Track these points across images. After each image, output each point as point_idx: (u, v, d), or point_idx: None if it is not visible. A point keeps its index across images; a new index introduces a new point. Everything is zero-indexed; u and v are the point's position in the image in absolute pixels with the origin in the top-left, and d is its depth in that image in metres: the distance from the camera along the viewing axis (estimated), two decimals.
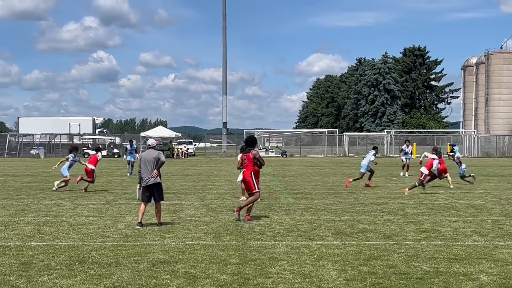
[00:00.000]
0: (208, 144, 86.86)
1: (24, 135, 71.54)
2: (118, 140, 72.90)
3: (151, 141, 14.64)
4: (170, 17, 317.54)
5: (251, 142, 15.62)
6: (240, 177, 15.53)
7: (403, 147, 34.41)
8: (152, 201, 13.95)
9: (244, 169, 15.27)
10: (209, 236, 12.51)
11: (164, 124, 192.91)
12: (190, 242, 11.81)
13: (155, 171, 13.76)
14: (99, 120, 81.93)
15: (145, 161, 13.88)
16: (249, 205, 15.13)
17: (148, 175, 13.75)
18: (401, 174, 33.28)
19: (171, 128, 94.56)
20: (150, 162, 13.81)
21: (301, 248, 11.21)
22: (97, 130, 77.29)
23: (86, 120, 76.86)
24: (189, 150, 70.21)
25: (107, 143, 69.15)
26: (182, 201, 19.48)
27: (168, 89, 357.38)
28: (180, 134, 74.72)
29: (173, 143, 68.71)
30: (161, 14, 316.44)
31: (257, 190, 15.05)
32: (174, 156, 64.09)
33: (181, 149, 66.53)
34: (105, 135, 75.38)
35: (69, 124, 73.98)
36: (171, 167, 41.66)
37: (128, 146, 35.50)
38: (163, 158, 13.99)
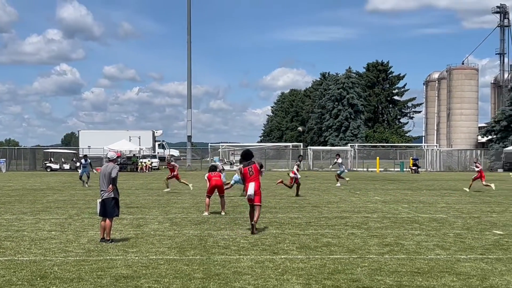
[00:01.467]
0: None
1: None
2: (176, 152, 73.58)
3: (110, 154, 14.26)
4: (134, 30, 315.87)
5: (250, 154, 15.71)
6: (251, 191, 15.27)
7: (335, 160, 39.14)
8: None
9: (252, 182, 15.21)
10: (173, 251, 12.44)
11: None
12: (154, 257, 11.73)
13: (110, 186, 13.51)
14: (158, 133, 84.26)
15: (103, 174, 13.66)
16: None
17: (104, 189, 13.56)
18: (337, 184, 36.75)
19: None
20: (106, 176, 13.57)
21: (265, 262, 11.21)
22: (157, 143, 78.93)
23: (146, 133, 78.34)
24: (153, 164, 69.76)
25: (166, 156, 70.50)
26: (146, 215, 19.35)
27: (132, 102, 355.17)
28: (144, 148, 74.23)
29: (136, 157, 68.21)
30: (125, 27, 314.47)
31: (261, 203, 15.47)
32: (138, 170, 63.66)
33: (145, 163, 66.06)
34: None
35: (129, 137, 74.43)
36: (135, 181, 41.41)
37: (83, 161, 35.99)
38: (114, 173, 13.50)
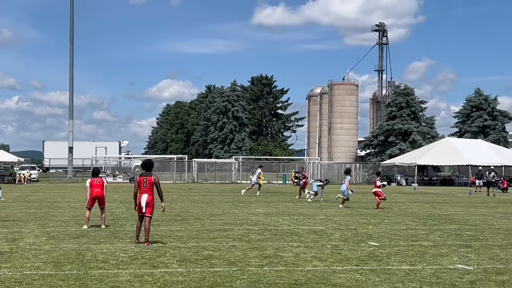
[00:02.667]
0: (53, 170, 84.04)
1: None
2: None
3: None
4: (15, 37, 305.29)
5: (149, 165, 15.70)
6: (144, 202, 15.21)
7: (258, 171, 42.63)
8: None
9: (145, 194, 15.21)
10: (48, 266, 12.07)
11: (6, 148, 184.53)
12: (28, 272, 11.33)
13: None
14: (124, 144, 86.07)
15: None
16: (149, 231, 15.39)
17: None
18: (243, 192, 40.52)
19: (13, 153, 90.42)
20: None
21: (144, 276, 11.08)
22: (123, 153, 79.73)
23: (112, 144, 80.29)
24: (32, 176, 67.56)
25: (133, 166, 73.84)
26: (22, 228, 18.67)
27: (11, 112, 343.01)
28: (22, 159, 71.92)
29: (14, 168, 65.86)
30: (5, 34, 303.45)
31: (152, 215, 15.42)
32: (16, 182, 61.42)
33: (23, 174, 63.85)
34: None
35: (95, 147, 75.56)
36: (12, 193, 39.89)
37: None
38: None
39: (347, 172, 30.64)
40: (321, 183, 34.70)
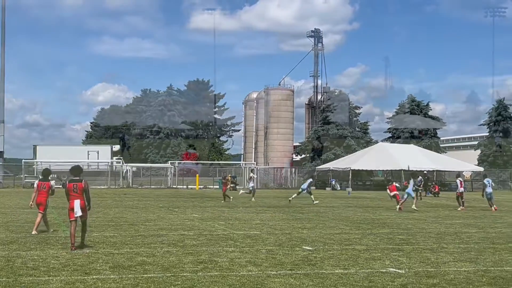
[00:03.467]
0: None
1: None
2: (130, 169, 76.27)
3: None
4: None
5: (79, 170, 15.60)
6: (77, 208, 15.03)
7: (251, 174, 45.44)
8: None
9: (77, 199, 15.15)
10: None
11: None
12: None
13: None
14: (116, 148, 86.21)
15: None
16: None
17: None
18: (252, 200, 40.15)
19: None
20: None
21: (76, 283, 10.88)
22: (114, 158, 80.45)
23: (104, 148, 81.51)
24: None
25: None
26: None
27: None
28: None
29: None
30: None
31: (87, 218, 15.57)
32: None
33: None
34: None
35: (87, 152, 75.76)
36: None
37: None
38: None
39: (414, 176, 35.27)
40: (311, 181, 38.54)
